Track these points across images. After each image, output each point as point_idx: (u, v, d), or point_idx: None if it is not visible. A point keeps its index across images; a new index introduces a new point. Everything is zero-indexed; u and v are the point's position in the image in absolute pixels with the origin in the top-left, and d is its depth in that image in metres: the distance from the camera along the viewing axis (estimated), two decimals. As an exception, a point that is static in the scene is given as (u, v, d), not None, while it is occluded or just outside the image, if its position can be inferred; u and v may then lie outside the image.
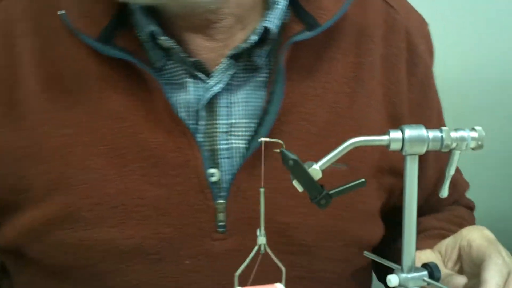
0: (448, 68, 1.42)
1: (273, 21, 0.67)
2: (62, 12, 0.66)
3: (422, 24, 0.80)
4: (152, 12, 0.66)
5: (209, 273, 0.67)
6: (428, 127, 0.73)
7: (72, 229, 0.66)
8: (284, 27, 0.69)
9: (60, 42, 0.67)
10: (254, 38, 0.66)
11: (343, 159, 0.65)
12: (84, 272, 0.67)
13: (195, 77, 0.67)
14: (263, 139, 0.53)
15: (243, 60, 0.68)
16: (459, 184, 0.87)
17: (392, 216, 0.77)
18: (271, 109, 0.66)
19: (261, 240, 0.53)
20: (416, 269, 0.56)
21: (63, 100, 0.67)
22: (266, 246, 0.53)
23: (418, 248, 0.66)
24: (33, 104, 0.66)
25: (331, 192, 0.53)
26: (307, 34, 0.67)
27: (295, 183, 0.53)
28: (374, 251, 0.76)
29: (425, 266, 0.57)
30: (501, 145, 1.39)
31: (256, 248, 0.53)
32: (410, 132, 0.53)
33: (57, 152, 0.66)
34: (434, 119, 0.80)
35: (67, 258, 0.67)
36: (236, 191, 0.67)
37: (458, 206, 0.87)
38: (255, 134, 0.67)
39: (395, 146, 0.53)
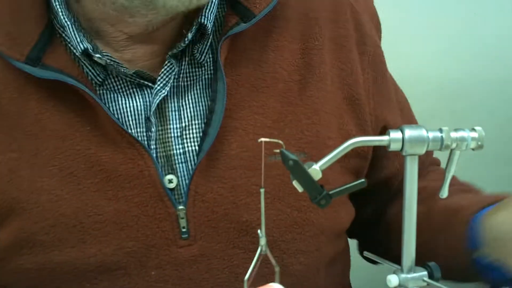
0: (448, 68, 1.42)
1: (208, 16, 0.66)
2: None
3: (367, 6, 0.79)
4: (84, 26, 0.65)
5: (176, 281, 0.66)
6: (387, 105, 0.76)
7: (30, 254, 0.64)
8: (221, 21, 0.68)
9: None
10: (190, 35, 0.65)
11: (301, 148, 0.68)
12: None
13: (140, 84, 0.66)
14: (263, 139, 0.53)
15: (186, 58, 0.67)
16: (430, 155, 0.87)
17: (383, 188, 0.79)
18: (217, 108, 0.65)
19: (262, 241, 0.52)
20: (416, 269, 0.56)
21: (3, 124, 0.65)
22: (267, 247, 0.53)
23: (480, 204, 0.67)
24: None
25: (331, 192, 0.53)
26: (242, 26, 0.66)
27: (295, 183, 0.53)
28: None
29: (425, 266, 0.57)
30: (501, 145, 1.39)
31: (259, 249, 0.53)
32: (410, 132, 0.53)
33: (4, 178, 0.64)
34: (392, 96, 0.79)
35: (29, 283, 0.65)
36: (194, 195, 0.65)
37: (436, 167, 0.86)
38: (204, 135, 0.66)
39: (395, 146, 0.53)
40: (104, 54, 0.64)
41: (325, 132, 0.70)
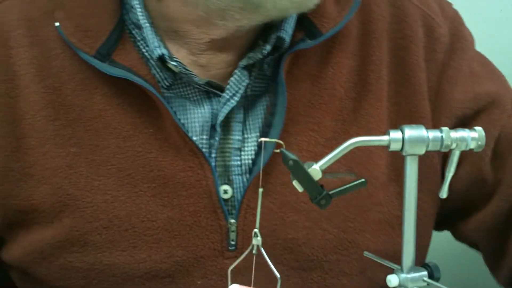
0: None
1: (287, 31, 0.65)
2: (57, 24, 0.63)
3: (441, 5, 0.74)
4: (162, 25, 0.64)
5: None
6: (452, 112, 0.70)
7: (81, 253, 0.64)
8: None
9: (58, 54, 0.65)
10: (268, 47, 0.64)
11: (350, 167, 0.66)
12: None
13: (207, 92, 0.66)
14: (263, 139, 0.53)
15: (256, 70, 0.67)
16: None
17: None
18: (275, 122, 0.64)
19: (256, 241, 0.52)
20: (416, 269, 0.56)
21: (64, 116, 0.64)
22: (261, 247, 0.53)
23: None
24: (33, 122, 0.64)
25: (331, 192, 0.53)
26: (309, 43, 0.65)
27: (295, 183, 0.53)
28: None
29: (425, 266, 0.57)
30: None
31: (249, 247, 0.53)
32: (410, 132, 0.53)
33: (61, 173, 0.64)
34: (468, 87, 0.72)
35: (76, 282, 0.65)
36: (246, 209, 0.65)
37: None
38: (260, 148, 0.65)
39: (395, 146, 0.53)
40: (176, 59, 0.63)
41: (377, 152, 0.68)
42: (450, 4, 0.76)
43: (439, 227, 0.77)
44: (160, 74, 0.65)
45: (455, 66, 0.72)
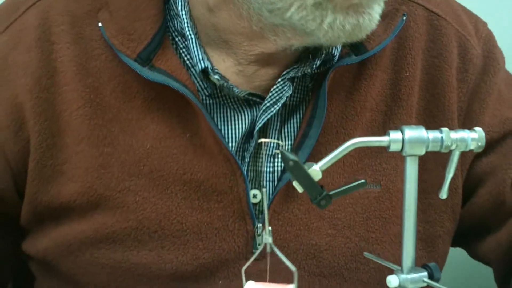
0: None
1: (337, 48, 0.66)
2: (100, 25, 0.64)
3: (477, 25, 0.75)
4: (210, 34, 0.64)
5: None
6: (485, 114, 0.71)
7: (108, 250, 0.65)
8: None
9: (99, 54, 0.65)
10: (318, 63, 0.65)
11: (377, 179, 0.67)
12: None
13: (248, 100, 0.67)
14: (262, 139, 0.53)
15: (298, 82, 0.68)
16: None
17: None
18: (311, 133, 0.65)
19: (266, 239, 0.53)
20: (416, 270, 0.56)
21: (101, 116, 0.64)
22: (273, 245, 0.53)
23: None
24: (70, 120, 0.64)
25: (331, 192, 0.53)
26: (354, 59, 0.65)
27: (295, 183, 0.53)
28: None
29: (425, 266, 0.57)
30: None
31: (261, 246, 0.54)
32: (410, 133, 0.53)
33: (93, 172, 0.64)
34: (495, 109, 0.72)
35: (100, 278, 0.66)
36: (272, 214, 0.66)
37: None
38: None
39: (395, 147, 0.53)
40: (217, 72, 0.63)
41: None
42: (485, 24, 0.76)
43: (455, 244, 0.78)
44: (201, 83, 0.65)
45: (486, 89, 0.72)
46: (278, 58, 0.65)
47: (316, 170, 0.52)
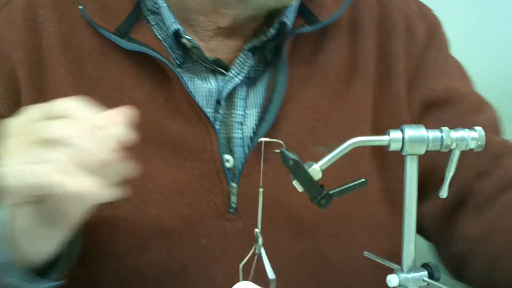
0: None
1: (289, 17, 0.72)
2: (81, 7, 0.71)
3: (421, 9, 0.84)
4: (176, 14, 0.71)
5: (222, 252, 0.71)
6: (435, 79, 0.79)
7: (95, 208, 0.66)
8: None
9: (80, 32, 0.71)
10: (272, 31, 0.71)
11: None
12: (106, 251, 0.69)
13: (214, 71, 0.72)
14: (263, 139, 0.54)
15: (258, 53, 0.74)
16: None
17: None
18: (275, 97, 0.71)
19: (260, 240, 0.53)
20: (416, 269, 0.56)
21: (85, 85, 0.70)
22: (262, 248, 0.54)
23: None
24: (59, 89, 0.70)
25: (331, 192, 0.53)
26: (308, 28, 0.73)
27: (295, 183, 0.53)
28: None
29: (425, 266, 0.57)
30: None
31: (252, 249, 0.54)
32: (410, 132, 0.53)
33: None
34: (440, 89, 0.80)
35: (93, 238, 0.68)
36: (246, 175, 0.71)
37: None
38: (261, 120, 0.71)
39: (395, 146, 0.53)
40: (188, 36, 0.70)
41: (366, 130, 0.75)
42: (430, 10, 0.86)
43: None
44: (173, 52, 0.72)
45: (430, 60, 0.81)
46: (237, 31, 0.73)
47: (316, 169, 0.52)
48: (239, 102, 0.73)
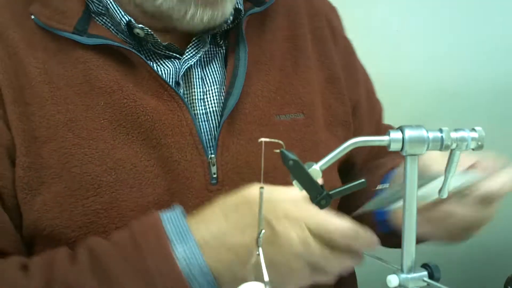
0: (448, 68, 1.42)
1: (241, 3, 0.80)
2: (33, 17, 0.74)
3: (331, 7, 0.96)
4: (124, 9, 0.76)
5: None
6: (357, 88, 0.93)
7: (96, 196, 0.70)
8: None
9: (38, 36, 0.74)
10: (230, 19, 0.78)
11: (300, 110, 0.83)
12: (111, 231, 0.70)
13: (169, 56, 0.77)
14: (263, 139, 0.54)
15: (209, 38, 0.79)
16: None
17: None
18: (239, 73, 0.77)
19: (260, 242, 0.53)
20: (416, 270, 0.56)
21: (56, 81, 0.73)
22: (260, 250, 0.54)
23: (395, 164, 0.82)
24: (34, 87, 0.72)
25: (331, 192, 0.53)
26: (257, 9, 0.81)
27: (295, 183, 0.53)
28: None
29: (425, 266, 0.57)
30: (501, 145, 1.39)
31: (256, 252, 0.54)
32: (410, 132, 0.53)
33: (64, 126, 0.71)
34: (361, 82, 0.95)
35: (103, 222, 0.70)
36: (222, 146, 0.75)
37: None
38: (228, 95, 0.77)
39: (395, 146, 0.53)
40: (140, 26, 0.74)
41: (317, 102, 0.85)
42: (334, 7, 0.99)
43: None
44: (128, 44, 0.76)
45: (347, 48, 0.94)
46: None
47: (316, 169, 0.52)
48: (196, 82, 0.78)
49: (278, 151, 0.52)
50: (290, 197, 0.64)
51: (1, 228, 0.71)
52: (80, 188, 0.70)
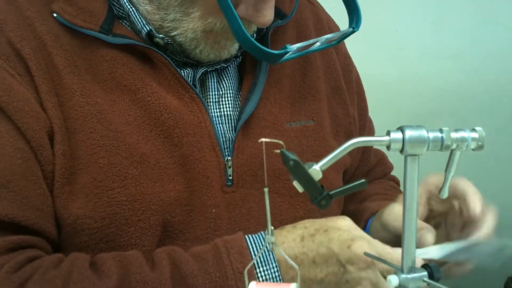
0: (449, 69, 1.42)
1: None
2: (55, 14, 0.75)
3: (330, 18, 1.01)
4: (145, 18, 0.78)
5: (228, 221, 0.77)
6: (353, 104, 0.95)
7: (122, 187, 0.72)
8: None
9: (62, 33, 0.76)
10: (255, 35, 0.82)
11: (310, 117, 0.86)
12: (139, 226, 0.72)
13: (186, 63, 0.80)
14: (263, 139, 0.53)
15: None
16: (387, 161, 1.07)
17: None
18: (259, 80, 0.81)
19: (269, 239, 0.53)
20: (416, 270, 0.56)
21: (84, 75, 0.75)
22: (275, 244, 0.54)
23: (376, 209, 0.87)
24: (63, 79, 0.74)
25: (331, 192, 0.53)
26: (280, 22, 0.84)
27: (295, 183, 0.52)
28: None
29: (425, 266, 0.57)
30: (501, 145, 1.39)
31: (263, 247, 0.55)
32: (411, 132, 0.53)
33: (93, 118, 0.73)
34: (354, 92, 0.97)
35: (126, 215, 0.72)
36: (238, 149, 0.78)
37: (387, 180, 1.05)
38: (247, 100, 0.80)
39: (396, 147, 0.53)
40: (161, 36, 0.77)
41: (324, 109, 0.88)
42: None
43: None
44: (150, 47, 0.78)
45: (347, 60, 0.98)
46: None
47: (316, 169, 0.52)
48: (212, 85, 0.81)
49: (278, 151, 0.52)
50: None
51: (48, 212, 0.72)
52: (106, 179, 0.72)
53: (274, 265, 0.66)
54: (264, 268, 0.66)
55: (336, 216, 0.69)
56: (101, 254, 0.69)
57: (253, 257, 0.65)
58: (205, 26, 0.75)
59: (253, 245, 0.68)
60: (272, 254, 0.66)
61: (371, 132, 1.02)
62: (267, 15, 0.73)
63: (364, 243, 0.65)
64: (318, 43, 0.77)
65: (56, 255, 0.70)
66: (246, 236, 0.69)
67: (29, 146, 0.71)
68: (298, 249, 0.67)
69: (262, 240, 0.68)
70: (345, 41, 0.90)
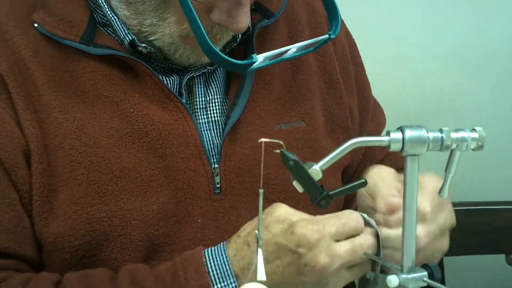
0: (449, 69, 1.42)
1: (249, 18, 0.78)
2: (36, 25, 0.74)
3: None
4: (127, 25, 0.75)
5: (215, 229, 0.75)
6: (351, 95, 0.91)
7: (102, 204, 0.71)
8: None
9: (44, 44, 0.74)
10: (239, 37, 0.79)
11: (301, 117, 0.83)
12: (116, 243, 0.72)
13: (172, 69, 0.78)
14: (263, 139, 0.53)
15: None
16: (397, 156, 0.99)
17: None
18: (246, 84, 0.79)
19: (260, 242, 0.53)
20: (416, 270, 0.56)
21: (63, 90, 0.73)
22: (260, 250, 0.54)
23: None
24: (42, 95, 0.72)
25: (331, 192, 0.53)
26: (266, 22, 0.81)
27: (295, 183, 0.53)
28: None
29: (425, 266, 0.57)
30: (501, 145, 1.39)
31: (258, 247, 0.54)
32: (411, 133, 0.53)
33: (72, 134, 0.72)
34: (354, 88, 0.93)
35: (105, 231, 0.71)
36: (225, 156, 0.76)
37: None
38: (234, 105, 0.78)
39: (396, 147, 0.53)
40: (144, 45, 0.75)
41: (318, 108, 0.85)
42: None
43: None
44: (133, 56, 0.76)
45: (349, 54, 0.94)
46: None
47: (316, 169, 0.52)
48: (198, 91, 0.79)
49: (278, 151, 0.52)
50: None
51: (23, 234, 0.71)
52: (85, 196, 0.71)
53: (232, 280, 0.65)
54: (222, 284, 0.65)
55: (271, 206, 0.67)
56: (69, 274, 0.69)
57: (210, 273, 0.65)
58: (181, 31, 0.73)
59: (211, 260, 0.67)
60: (230, 269, 0.65)
61: (379, 121, 0.98)
62: (242, 21, 0.71)
63: (303, 222, 0.63)
64: (294, 49, 0.75)
65: (27, 274, 0.70)
66: (206, 251, 0.67)
67: (2, 167, 0.70)
68: (249, 257, 0.65)
69: (222, 251, 0.67)
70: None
